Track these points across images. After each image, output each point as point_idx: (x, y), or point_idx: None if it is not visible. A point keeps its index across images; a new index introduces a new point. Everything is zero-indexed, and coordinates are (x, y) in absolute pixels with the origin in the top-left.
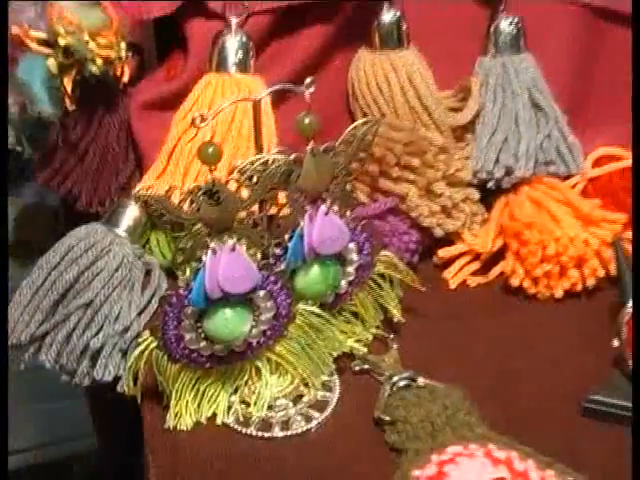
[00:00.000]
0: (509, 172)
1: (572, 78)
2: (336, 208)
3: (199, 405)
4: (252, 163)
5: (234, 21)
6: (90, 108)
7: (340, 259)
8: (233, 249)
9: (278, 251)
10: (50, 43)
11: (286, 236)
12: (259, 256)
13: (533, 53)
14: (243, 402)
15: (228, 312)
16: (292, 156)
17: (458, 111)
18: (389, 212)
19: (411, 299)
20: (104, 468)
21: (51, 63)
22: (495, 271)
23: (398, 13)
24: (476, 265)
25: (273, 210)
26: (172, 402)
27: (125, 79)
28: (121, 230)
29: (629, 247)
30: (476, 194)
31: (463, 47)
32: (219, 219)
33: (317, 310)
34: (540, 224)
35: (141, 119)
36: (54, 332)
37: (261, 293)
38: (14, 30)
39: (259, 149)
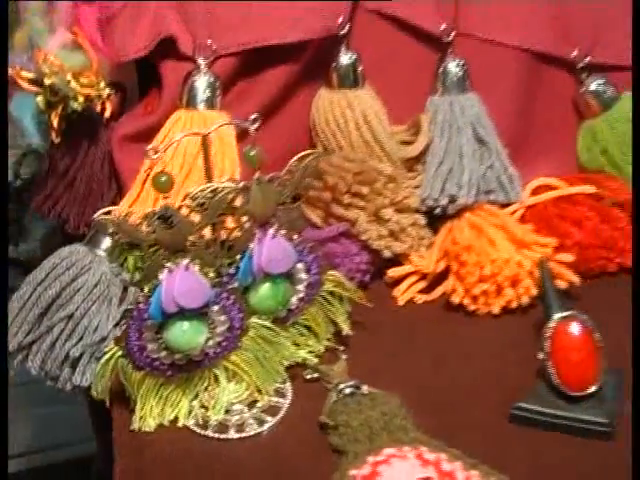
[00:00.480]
0: (453, 200)
1: (515, 118)
2: (283, 231)
3: (162, 409)
4: (202, 190)
5: (203, 63)
6: (76, 141)
7: (289, 278)
8: (187, 268)
9: (231, 270)
10: (39, 82)
11: (238, 256)
12: (212, 275)
13: (481, 95)
14: (202, 406)
15: (185, 325)
16: (240, 184)
17: (410, 144)
18: (342, 235)
19: (363, 314)
20: (103, 471)
21: (40, 100)
22: (439, 290)
23: (354, 56)
24: (422, 284)
25: (225, 233)
26: (137, 406)
27: (107, 114)
28: (101, 250)
29: (557, 267)
30: (422, 220)
31: (416, 86)
32: (173, 241)
33: (268, 324)
34: (478, 247)
35: (122, 151)
36: (39, 341)
37: (215, 308)
38: (8, 71)
39: (209, 178)
